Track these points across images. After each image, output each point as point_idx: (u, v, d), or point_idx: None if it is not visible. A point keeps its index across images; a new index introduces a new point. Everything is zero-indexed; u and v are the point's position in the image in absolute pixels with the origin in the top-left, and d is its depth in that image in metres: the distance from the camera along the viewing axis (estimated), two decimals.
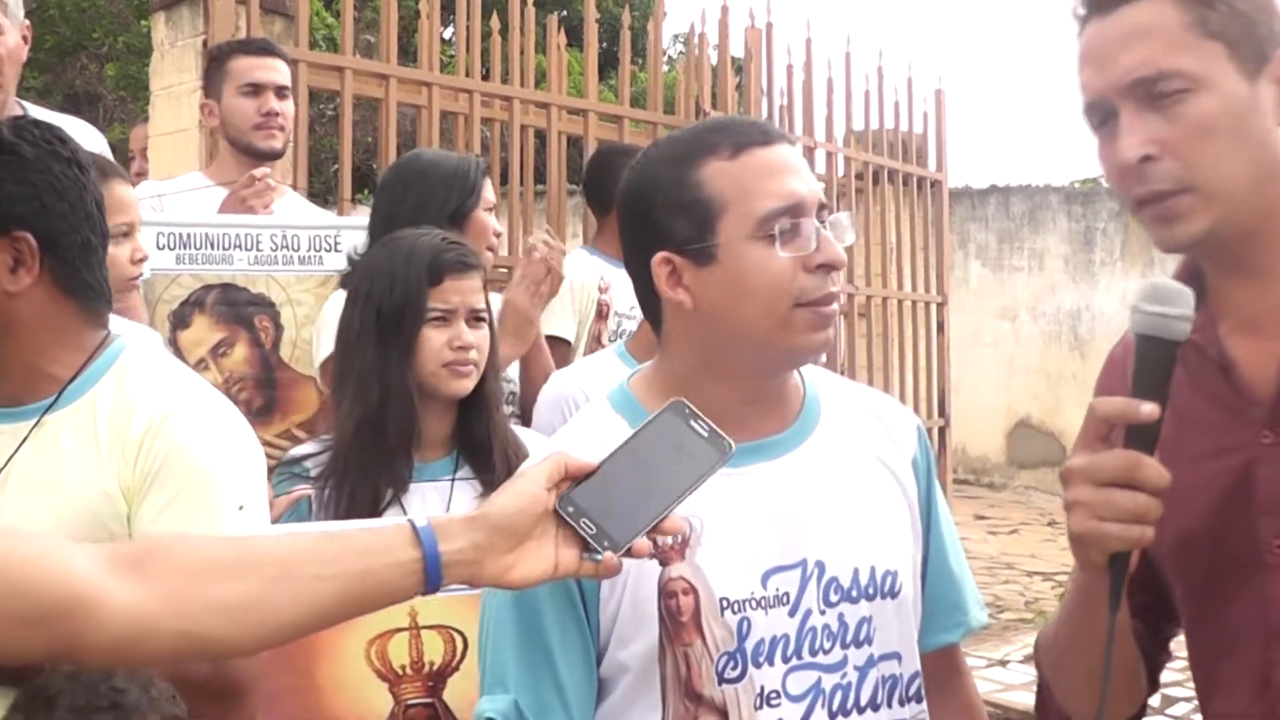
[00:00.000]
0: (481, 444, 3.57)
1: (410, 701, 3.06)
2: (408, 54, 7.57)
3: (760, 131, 2.40)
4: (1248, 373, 2.11)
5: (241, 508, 2.59)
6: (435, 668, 3.06)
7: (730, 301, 2.34)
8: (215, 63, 5.34)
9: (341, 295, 4.21)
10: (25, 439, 2.55)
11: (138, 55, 7.19)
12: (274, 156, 5.42)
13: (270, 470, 3.31)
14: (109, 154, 4.54)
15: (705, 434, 2.02)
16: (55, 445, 2.56)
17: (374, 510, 3.39)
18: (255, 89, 5.21)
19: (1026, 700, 8.44)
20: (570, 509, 1.98)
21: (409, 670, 3.05)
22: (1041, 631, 2.45)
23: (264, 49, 5.42)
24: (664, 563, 2.29)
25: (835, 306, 2.36)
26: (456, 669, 3.06)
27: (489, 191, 4.55)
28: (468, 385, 3.50)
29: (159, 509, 2.52)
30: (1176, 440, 2.12)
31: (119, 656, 1.92)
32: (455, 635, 3.05)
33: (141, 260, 3.91)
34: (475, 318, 3.53)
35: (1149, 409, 1.95)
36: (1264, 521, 2.09)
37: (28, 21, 4.40)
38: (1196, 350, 2.15)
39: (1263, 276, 2.12)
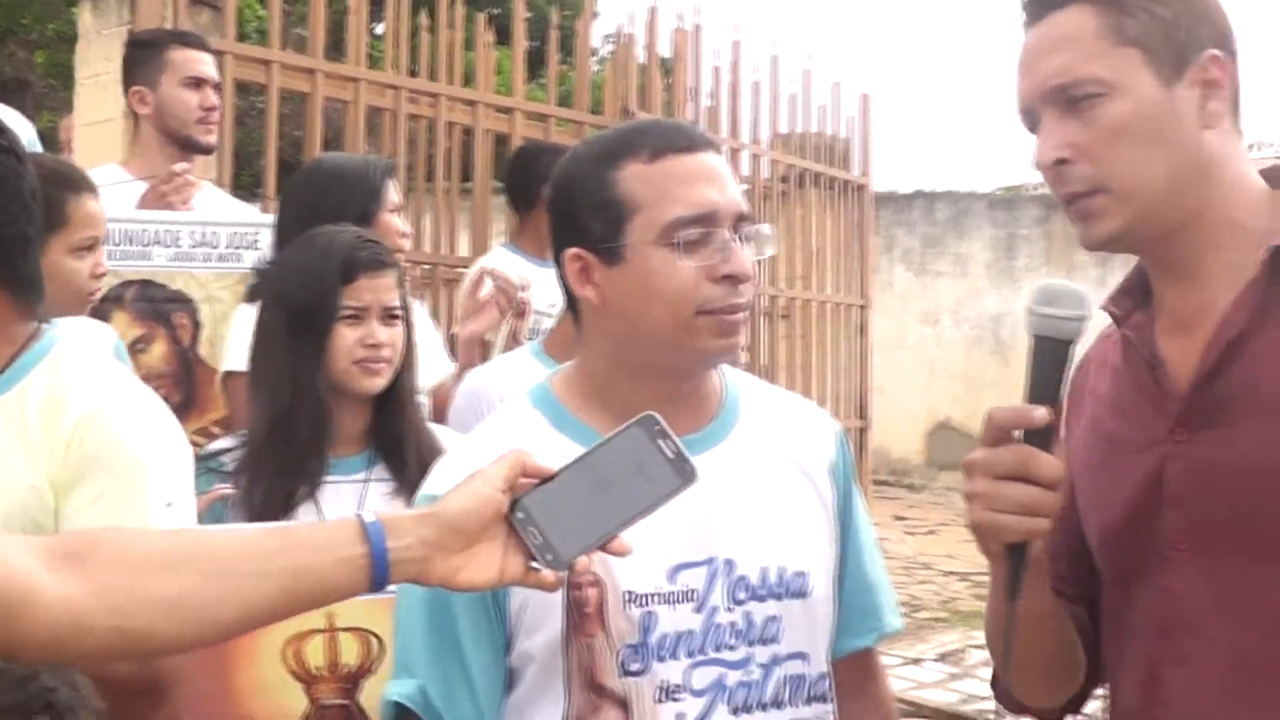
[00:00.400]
0: (396, 440, 3.56)
1: (325, 702, 3.05)
2: (339, 49, 7.54)
3: (684, 137, 2.41)
4: (1172, 370, 2.15)
5: (170, 504, 2.55)
6: (351, 670, 3.05)
7: (635, 303, 2.36)
8: (149, 50, 5.22)
9: (248, 311, 4.22)
10: None
11: (68, 43, 7.17)
12: (210, 151, 5.40)
13: None
14: (38, 143, 4.48)
15: (671, 456, 1.98)
16: None
17: (288, 507, 3.39)
18: (198, 82, 5.15)
19: (939, 698, 8.53)
20: (520, 515, 1.95)
21: (325, 672, 3.04)
22: None
23: (201, 43, 5.35)
24: None
25: (741, 315, 2.37)
26: (372, 671, 3.06)
27: (393, 193, 4.50)
28: (380, 383, 3.49)
29: (88, 503, 2.46)
30: (1113, 433, 2.25)
31: (55, 652, 1.87)
32: (372, 638, 3.05)
33: (102, 275, 3.86)
34: (389, 315, 3.51)
35: (1041, 414, 2.04)
36: (1169, 514, 2.12)
37: None
38: (1132, 347, 2.22)
39: (1189, 277, 2.15)
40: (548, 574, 1.95)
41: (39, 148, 4.36)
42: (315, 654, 3.03)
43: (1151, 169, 2.07)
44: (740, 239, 2.36)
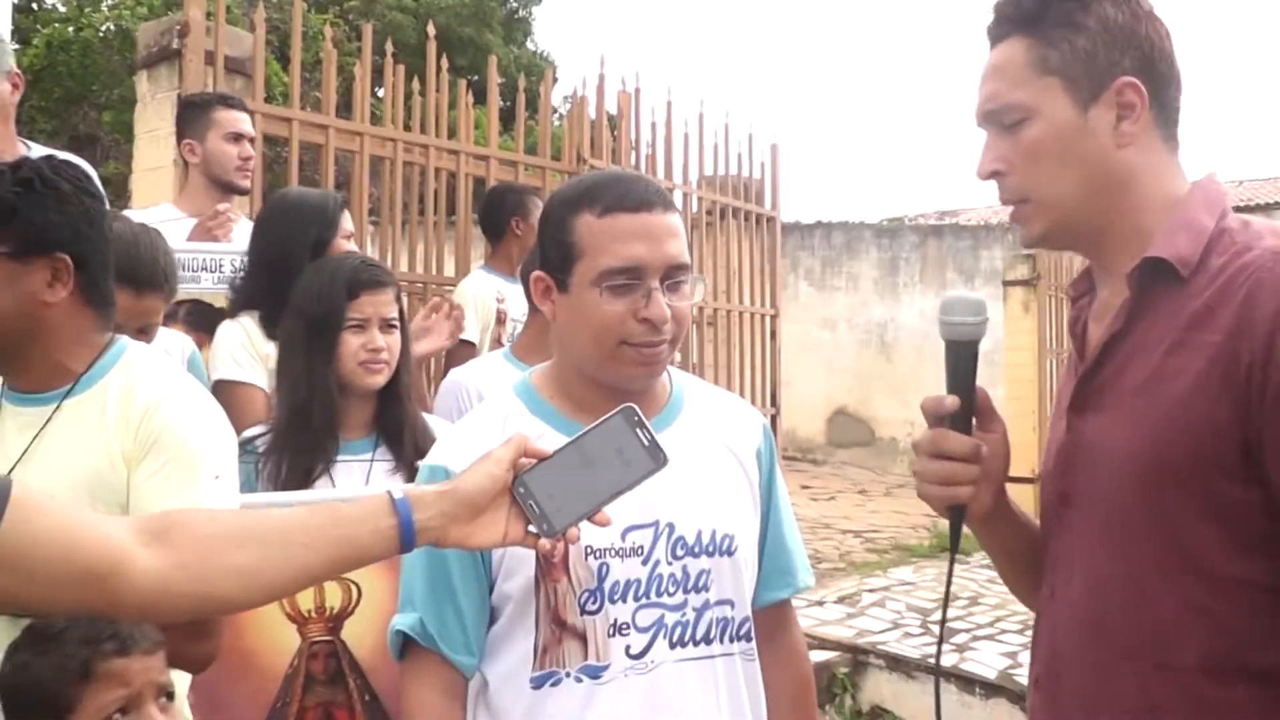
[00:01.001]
0: (396, 428, 3.61)
1: (314, 639, 3.08)
2: (347, 108, 7.53)
3: (636, 197, 2.40)
4: (1089, 353, 2.11)
5: (217, 478, 2.61)
6: (335, 612, 3.08)
7: (573, 327, 2.42)
8: (197, 109, 5.24)
9: (229, 326, 4.21)
10: (49, 420, 2.59)
11: (129, 105, 7.16)
12: (246, 192, 5.43)
13: None
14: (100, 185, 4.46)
15: (646, 443, 2.02)
16: (72, 424, 2.59)
17: (306, 481, 3.44)
18: (237, 137, 5.18)
19: (838, 633, 8.54)
20: (521, 490, 2.00)
21: (314, 614, 3.07)
22: None
23: (241, 104, 5.38)
24: None
25: (660, 350, 2.40)
26: (352, 613, 3.09)
27: (347, 223, 4.45)
28: (380, 380, 3.55)
29: (150, 474, 2.54)
30: (1058, 399, 2.24)
31: (146, 613, 1.94)
32: (352, 585, 3.08)
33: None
34: (388, 325, 3.58)
35: (950, 402, 2.08)
36: (1060, 478, 2.12)
37: (18, 71, 4.36)
38: (1074, 326, 2.22)
39: (1108, 274, 2.11)
40: (544, 541, 2.01)
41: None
42: (305, 599, 3.07)
43: (1064, 183, 2.04)
44: (665, 289, 2.37)
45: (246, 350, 4.12)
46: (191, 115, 5.24)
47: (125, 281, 3.28)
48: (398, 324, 3.63)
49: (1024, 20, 2.07)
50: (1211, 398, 1.85)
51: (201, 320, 4.58)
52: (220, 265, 4.68)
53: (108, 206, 2.68)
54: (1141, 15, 2.03)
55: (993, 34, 2.13)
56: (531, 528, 2.01)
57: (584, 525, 2.04)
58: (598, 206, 2.38)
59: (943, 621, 2.33)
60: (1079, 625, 2.05)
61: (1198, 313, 1.91)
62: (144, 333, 3.47)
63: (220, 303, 4.60)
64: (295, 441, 3.46)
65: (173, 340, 4.11)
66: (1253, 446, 1.83)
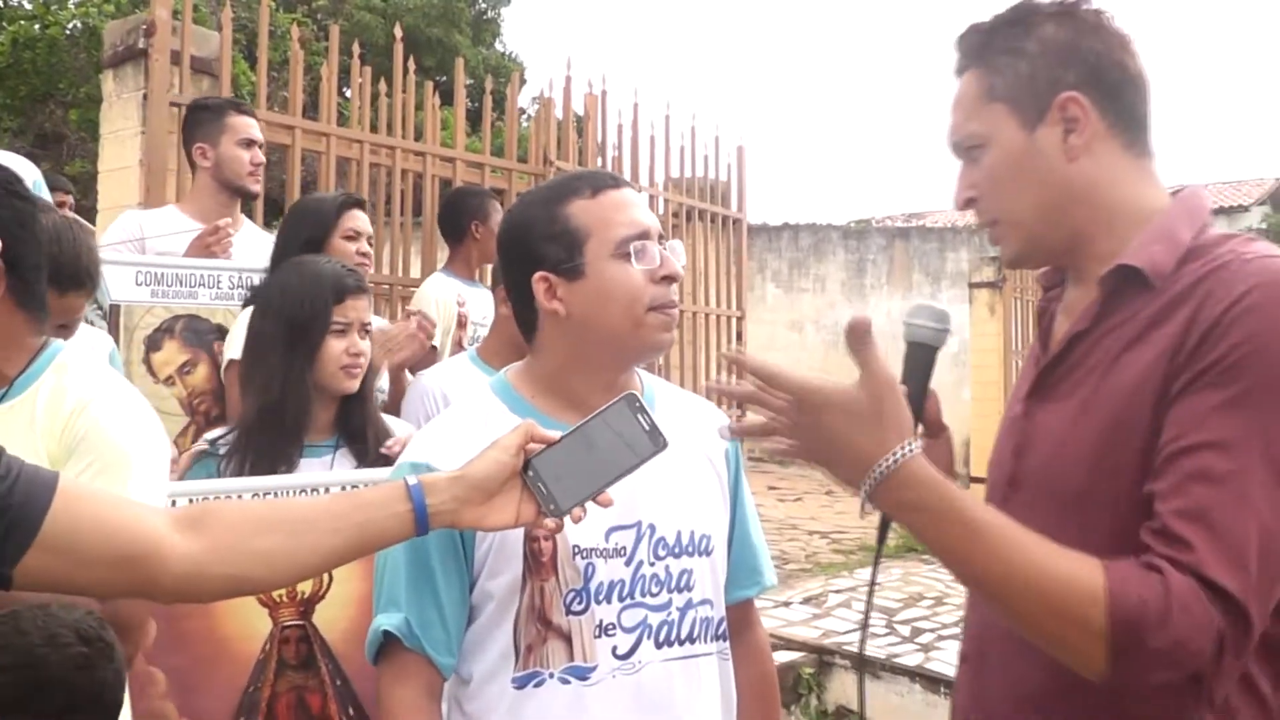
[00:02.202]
0: (359, 429, 3.64)
1: (286, 624, 3.10)
2: (314, 109, 7.53)
3: (611, 178, 2.52)
4: (1052, 345, 2.15)
5: (145, 479, 2.59)
6: (306, 596, 3.12)
7: (596, 308, 2.44)
8: (210, 113, 5.26)
9: (248, 312, 4.22)
10: None
11: (97, 104, 7.12)
12: (256, 197, 5.53)
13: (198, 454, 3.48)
14: (43, 184, 4.39)
15: (647, 428, 2.10)
16: (4, 430, 2.55)
17: None
18: (249, 143, 5.23)
19: (804, 634, 8.57)
20: (530, 473, 2.08)
21: (285, 598, 3.11)
22: None
23: (251, 111, 5.41)
24: None
25: (676, 309, 2.48)
26: (323, 598, 3.12)
27: (350, 222, 4.52)
28: (356, 384, 3.61)
29: (76, 474, 2.51)
30: (1017, 382, 2.27)
31: (180, 594, 2.01)
32: None
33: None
34: (365, 330, 3.64)
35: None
36: (1010, 461, 2.15)
37: None
38: (1042, 317, 2.27)
39: (1080, 278, 2.14)
40: (550, 521, 2.11)
41: (44, 190, 4.29)
42: None
43: (1024, 203, 2.08)
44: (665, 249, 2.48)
45: None
46: (204, 119, 5.27)
47: (48, 280, 3.27)
48: (371, 329, 3.69)
49: (974, 53, 2.14)
50: (1158, 384, 1.87)
51: (197, 338, 4.61)
52: (218, 281, 4.72)
53: (38, 207, 2.62)
54: (1085, 29, 2.07)
55: (955, 69, 2.19)
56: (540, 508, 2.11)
57: (568, 524, 2.13)
58: (585, 190, 2.47)
59: (866, 613, 2.33)
60: None
61: (1160, 310, 1.93)
62: (65, 328, 3.42)
63: (217, 318, 4.63)
64: (261, 442, 3.47)
65: (91, 337, 4.07)
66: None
